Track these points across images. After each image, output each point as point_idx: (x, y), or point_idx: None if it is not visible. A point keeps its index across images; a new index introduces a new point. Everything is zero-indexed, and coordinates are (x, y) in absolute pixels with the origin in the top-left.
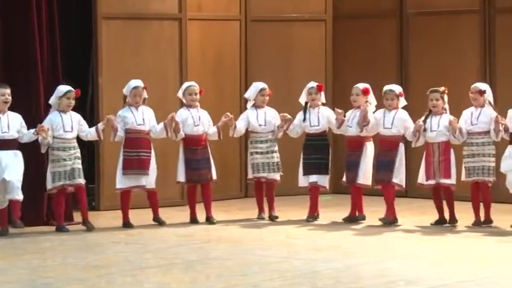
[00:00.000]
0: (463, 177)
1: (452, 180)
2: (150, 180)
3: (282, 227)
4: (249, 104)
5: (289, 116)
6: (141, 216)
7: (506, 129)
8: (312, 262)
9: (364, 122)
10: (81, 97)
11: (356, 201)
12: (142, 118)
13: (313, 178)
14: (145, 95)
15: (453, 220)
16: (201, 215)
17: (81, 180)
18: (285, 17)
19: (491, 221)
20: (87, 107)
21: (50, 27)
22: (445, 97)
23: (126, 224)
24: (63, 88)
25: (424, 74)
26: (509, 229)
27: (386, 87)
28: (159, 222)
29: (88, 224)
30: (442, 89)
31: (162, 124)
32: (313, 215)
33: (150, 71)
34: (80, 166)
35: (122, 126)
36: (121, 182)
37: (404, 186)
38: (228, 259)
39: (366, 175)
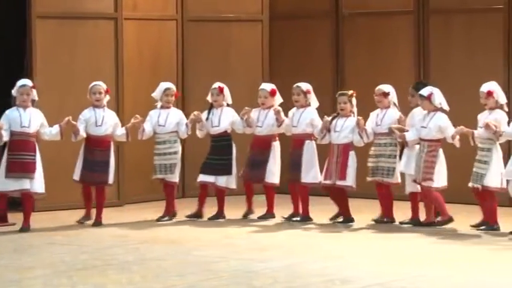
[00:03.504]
0: (367, 177)
1: (347, 182)
2: (35, 184)
3: (220, 227)
4: (158, 104)
5: (200, 115)
6: (77, 217)
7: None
8: (249, 262)
9: (277, 122)
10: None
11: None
12: (29, 120)
13: (215, 180)
14: (34, 96)
15: (349, 219)
16: (140, 215)
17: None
18: (221, 17)
19: (393, 220)
20: None
21: None
22: (353, 100)
23: None
24: (19, 83)
25: (359, 74)
26: (440, 229)
27: (295, 85)
28: (22, 230)
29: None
30: (350, 92)
31: (57, 127)
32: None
33: (85, 71)
34: None
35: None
36: (2, 184)
37: (318, 181)
38: (165, 260)
39: (275, 174)
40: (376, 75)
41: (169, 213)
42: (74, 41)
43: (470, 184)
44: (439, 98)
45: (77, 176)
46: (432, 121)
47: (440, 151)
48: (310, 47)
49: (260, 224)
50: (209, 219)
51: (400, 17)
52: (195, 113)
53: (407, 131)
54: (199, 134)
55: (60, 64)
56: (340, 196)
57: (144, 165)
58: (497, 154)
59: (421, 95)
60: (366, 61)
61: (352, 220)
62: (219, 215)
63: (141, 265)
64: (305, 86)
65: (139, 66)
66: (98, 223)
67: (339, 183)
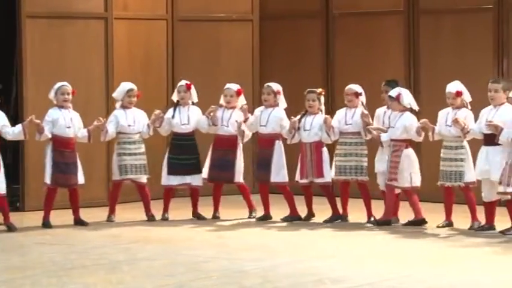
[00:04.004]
0: (333, 175)
1: (326, 179)
2: (1, 184)
3: (210, 227)
4: (117, 104)
5: (162, 114)
6: (65, 216)
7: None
8: (239, 261)
9: (243, 120)
10: (5, 96)
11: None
12: None
13: (190, 180)
14: None
15: (339, 216)
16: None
17: None
18: (212, 17)
19: (375, 219)
20: (11, 106)
21: None
22: (322, 98)
23: None
24: None
25: (349, 74)
26: (427, 229)
27: (266, 84)
28: (10, 229)
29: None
30: (319, 90)
31: (20, 126)
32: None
33: (75, 71)
34: None
35: None
36: None
37: (287, 180)
38: (155, 259)
39: (241, 173)
40: (366, 75)
41: (150, 212)
42: (64, 40)
43: (447, 184)
44: (407, 99)
45: (48, 179)
46: (399, 121)
47: (408, 151)
48: (301, 47)
49: (250, 224)
50: (199, 218)
51: (390, 17)
52: (157, 112)
53: (385, 131)
54: (162, 131)
55: (50, 64)
56: (326, 194)
57: None
58: (468, 151)
59: (390, 96)
60: (356, 61)
61: (339, 218)
62: (199, 214)
63: (131, 265)
64: (276, 86)
65: (130, 66)
66: (82, 221)
67: (318, 181)
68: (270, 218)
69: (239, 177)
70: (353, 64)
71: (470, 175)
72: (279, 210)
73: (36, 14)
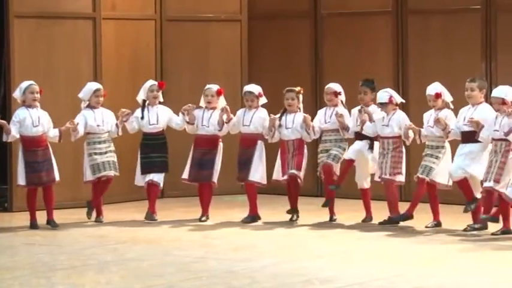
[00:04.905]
0: (318, 174)
1: (300, 173)
2: None
3: (198, 227)
4: (83, 105)
5: (127, 111)
6: (57, 216)
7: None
8: (228, 262)
9: (226, 119)
10: None
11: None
12: None
13: (153, 176)
14: None
15: (295, 210)
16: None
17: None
18: (200, 17)
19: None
20: None
21: None
22: (300, 97)
23: None
24: None
25: (338, 74)
26: (415, 228)
27: (245, 89)
28: None
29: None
30: (297, 89)
31: None
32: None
33: (64, 71)
34: None
35: None
36: None
37: (265, 183)
38: (144, 260)
39: (217, 172)
40: (355, 75)
41: (94, 203)
42: (52, 40)
43: (415, 175)
44: (397, 96)
45: (22, 180)
46: (393, 118)
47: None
48: (289, 47)
49: (239, 225)
50: (147, 219)
51: (378, 17)
52: (126, 111)
53: (373, 121)
54: (129, 128)
55: (38, 64)
56: (293, 186)
57: (122, 166)
58: (448, 152)
59: (382, 103)
60: (344, 61)
61: (297, 212)
62: (154, 214)
63: (120, 265)
64: (257, 90)
65: (118, 66)
66: (53, 223)
67: (294, 172)
68: (259, 218)
69: (215, 177)
70: (342, 64)
71: (440, 176)
72: (273, 210)
73: (24, 14)
